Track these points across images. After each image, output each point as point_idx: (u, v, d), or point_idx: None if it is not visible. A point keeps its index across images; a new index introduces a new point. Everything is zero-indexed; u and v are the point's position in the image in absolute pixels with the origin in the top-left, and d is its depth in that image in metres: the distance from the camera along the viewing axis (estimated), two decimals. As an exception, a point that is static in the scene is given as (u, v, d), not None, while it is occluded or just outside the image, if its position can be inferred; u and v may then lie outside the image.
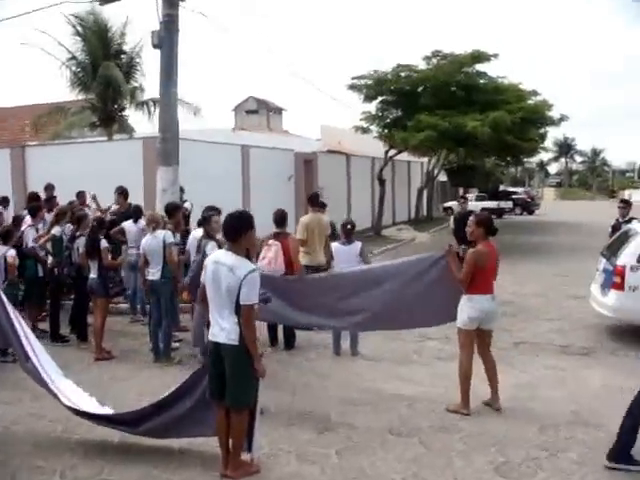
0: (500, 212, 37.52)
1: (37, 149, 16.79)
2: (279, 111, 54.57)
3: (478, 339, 6.13)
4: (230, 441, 4.78)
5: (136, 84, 24.77)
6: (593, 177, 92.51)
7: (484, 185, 43.94)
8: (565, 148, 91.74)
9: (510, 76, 21.50)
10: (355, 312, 7.00)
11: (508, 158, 26.28)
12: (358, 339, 8.12)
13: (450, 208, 39.49)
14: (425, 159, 30.26)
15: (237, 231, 4.66)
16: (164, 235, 7.89)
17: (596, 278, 9.43)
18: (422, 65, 20.95)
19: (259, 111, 53.52)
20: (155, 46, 11.56)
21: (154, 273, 7.94)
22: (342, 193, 24.42)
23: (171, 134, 11.58)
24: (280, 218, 8.42)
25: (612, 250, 9.16)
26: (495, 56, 20.33)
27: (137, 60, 24.50)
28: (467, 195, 43.18)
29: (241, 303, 4.49)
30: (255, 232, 4.83)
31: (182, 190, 12.45)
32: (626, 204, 10.84)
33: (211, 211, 8.21)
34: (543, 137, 26.72)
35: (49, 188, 12.62)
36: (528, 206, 41.05)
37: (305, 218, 9.55)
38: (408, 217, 32.33)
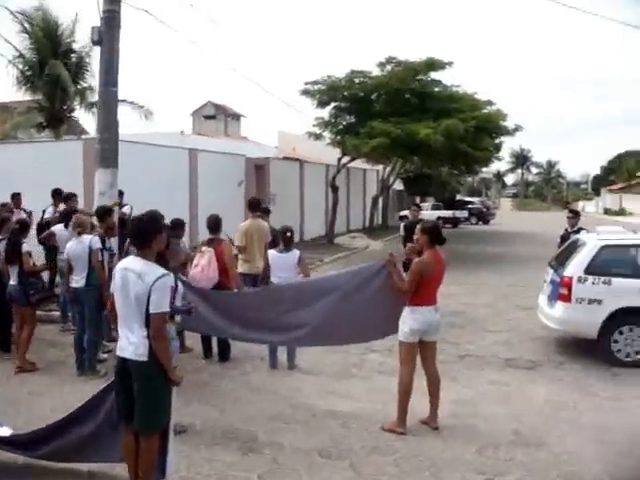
0: (455, 221, 37.70)
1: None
2: (237, 117, 53.93)
3: (421, 352, 5.81)
4: (140, 467, 4.34)
5: (85, 85, 24.24)
6: (548, 188, 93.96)
7: (440, 194, 44.06)
8: (521, 159, 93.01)
9: (465, 85, 21.50)
10: (295, 327, 6.70)
11: (462, 167, 26.19)
12: (295, 352, 7.73)
13: (406, 217, 39.43)
14: (381, 167, 30.06)
15: (145, 235, 4.26)
16: (90, 240, 7.39)
17: (544, 289, 9.21)
18: (376, 71, 20.71)
19: (217, 116, 52.79)
20: (95, 42, 11.02)
21: (78, 280, 7.43)
22: (295, 200, 24.07)
23: (110, 135, 11.00)
24: (214, 224, 8.01)
25: (560, 261, 8.95)
26: (450, 64, 20.23)
27: (87, 60, 23.96)
28: (422, 204, 43.46)
29: (151, 312, 4.07)
30: (163, 236, 4.48)
31: (121, 193, 11.92)
32: (575, 214, 10.70)
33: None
34: (498, 147, 26.73)
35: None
36: (484, 216, 41.28)
37: (244, 224, 9.17)
38: (363, 225, 32.12)
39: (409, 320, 5.63)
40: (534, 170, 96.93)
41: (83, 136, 20.70)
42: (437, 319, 5.74)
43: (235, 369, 7.75)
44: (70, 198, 10.81)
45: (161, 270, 4.19)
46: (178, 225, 8.29)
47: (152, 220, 4.36)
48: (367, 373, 7.60)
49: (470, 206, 41.06)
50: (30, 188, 12.12)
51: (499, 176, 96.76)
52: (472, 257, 20.45)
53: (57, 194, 11.43)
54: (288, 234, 7.56)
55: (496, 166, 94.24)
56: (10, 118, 23.34)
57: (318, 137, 22.14)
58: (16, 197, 12.16)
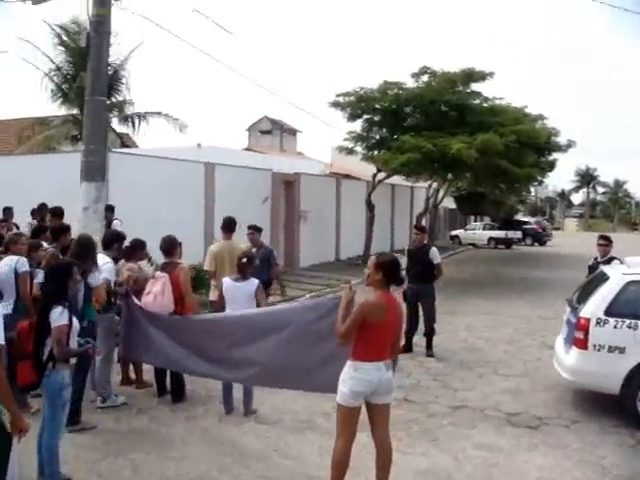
0: (508, 242, 35.90)
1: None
2: (293, 132, 53.76)
3: (370, 416, 4.65)
4: None
5: (120, 98, 24.01)
6: (615, 208, 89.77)
7: (495, 213, 42.28)
8: (587, 178, 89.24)
9: (519, 99, 20.05)
10: (245, 364, 5.88)
11: (501, 185, 24.59)
12: (252, 394, 6.66)
13: (457, 236, 37.97)
14: (426, 184, 28.72)
15: None
16: (16, 262, 6.50)
17: (562, 331, 7.84)
18: (410, 83, 19.51)
19: (273, 131, 52.80)
20: (83, 48, 10.40)
21: (6, 307, 6.56)
22: (330, 218, 23.03)
23: (96, 147, 10.27)
24: (168, 245, 7.03)
25: (580, 297, 7.56)
26: (490, 75, 18.80)
27: (122, 73, 23.74)
28: (474, 223, 41.79)
29: None
30: None
31: (111, 209, 11.20)
32: (607, 241, 9.18)
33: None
34: (552, 165, 25.16)
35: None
36: (539, 237, 39.19)
37: (214, 247, 8.22)
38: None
39: (349, 379, 4.47)
40: (600, 189, 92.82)
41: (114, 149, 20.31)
42: (387, 378, 4.51)
43: (185, 411, 6.74)
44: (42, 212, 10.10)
45: None
46: (137, 246, 7.41)
47: None
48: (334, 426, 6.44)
49: (525, 226, 39.06)
50: (36, 201, 11.60)
51: (563, 195, 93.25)
52: (510, 282, 18.95)
53: (39, 209, 10.73)
54: (243, 260, 6.52)
55: (561, 185, 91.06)
56: (47, 131, 23.18)
57: (350, 152, 21.06)
58: (7, 211, 11.65)
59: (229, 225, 8.42)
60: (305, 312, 5.73)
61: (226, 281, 6.61)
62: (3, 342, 3.34)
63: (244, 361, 5.90)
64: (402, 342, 4.85)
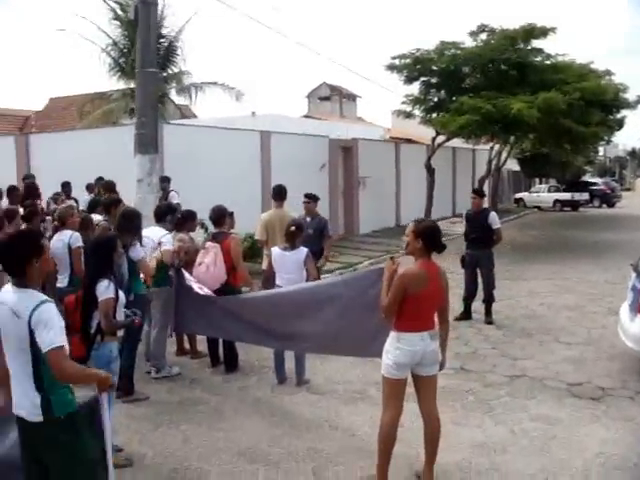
0: (575, 204, 34.72)
1: (40, 137, 15.99)
2: (353, 98, 53.13)
3: (416, 389, 4.50)
4: None
5: (176, 69, 24.12)
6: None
7: (561, 175, 40.91)
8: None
9: (580, 55, 19.12)
10: (297, 336, 5.83)
11: (566, 146, 23.59)
12: (304, 364, 6.60)
13: (521, 199, 36.97)
14: (489, 146, 27.94)
15: (16, 261, 3.25)
16: (69, 237, 6.57)
17: (628, 297, 7.46)
18: (468, 42, 18.81)
19: (332, 98, 52.31)
20: (127, 21, 10.40)
21: (62, 280, 6.68)
22: (390, 183, 22.71)
23: (148, 119, 10.30)
24: (217, 215, 6.99)
25: (647, 261, 7.19)
26: (552, 30, 17.86)
27: (177, 44, 23.80)
28: (538, 186, 40.45)
29: (44, 351, 3.08)
30: (48, 253, 3.48)
31: (167, 180, 11.29)
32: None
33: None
34: (620, 123, 24.06)
35: (27, 178, 11.69)
36: (608, 198, 37.66)
37: (265, 215, 8.15)
38: (471, 209, 30.11)
39: (393, 350, 4.33)
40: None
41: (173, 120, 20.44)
42: (432, 349, 4.34)
43: (237, 381, 6.77)
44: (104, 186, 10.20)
45: (39, 296, 3.18)
46: (188, 217, 7.41)
47: (22, 240, 3.34)
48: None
49: (593, 188, 37.62)
50: (93, 176, 11.81)
51: (634, 154, 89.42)
52: (575, 246, 18.28)
53: (95, 183, 10.83)
54: (292, 228, 6.41)
55: (632, 144, 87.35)
56: (106, 105, 23.52)
57: (408, 115, 20.59)
58: (66, 186, 11.85)
59: (279, 193, 8.32)
60: (349, 285, 5.60)
61: (275, 250, 6.54)
62: (62, 342, 3.14)
63: (294, 334, 5.86)
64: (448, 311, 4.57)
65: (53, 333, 3.10)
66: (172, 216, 7.33)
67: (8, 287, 3.29)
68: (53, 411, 3.21)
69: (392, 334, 4.37)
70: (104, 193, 10.18)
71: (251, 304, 6.35)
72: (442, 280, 4.41)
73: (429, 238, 4.36)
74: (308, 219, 8.74)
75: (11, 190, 10.00)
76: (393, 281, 4.30)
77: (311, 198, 9.17)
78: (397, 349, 4.30)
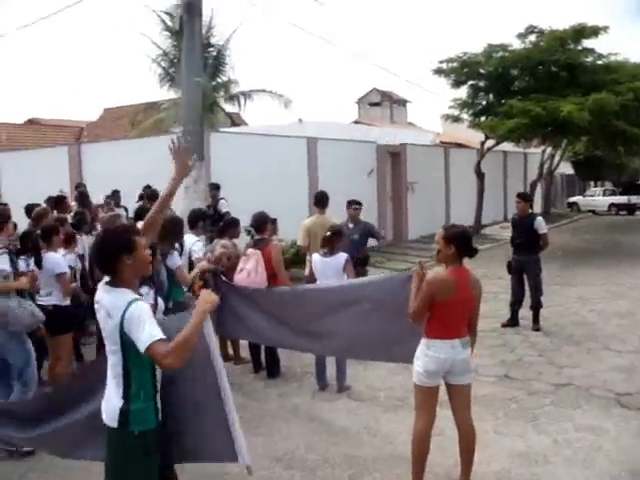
0: (631, 208, 33.69)
1: (92, 146, 16.42)
2: (403, 103, 52.91)
3: (449, 397, 4.46)
4: None
5: (225, 78, 24.51)
6: None
7: (616, 178, 39.78)
8: None
9: (633, 54, 18.59)
10: (324, 335, 5.80)
11: (619, 148, 22.92)
12: (345, 371, 6.60)
13: (575, 203, 36.13)
14: (540, 150, 27.43)
15: (106, 258, 3.16)
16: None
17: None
18: (516, 44, 18.51)
19: (382, 103, 52.25)
20: (177, 32, 10.62)
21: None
22: (439, 188, 22.52)
23: (194, 127, 10.51)
24: (258, 222, 7.05)
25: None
26: (604, 29, 17.45)
27: (225, 53, 24.20)
28: (593, 189, 39.37)
29: (143, 351, 2.91)
30: (139, 253, 3.17)
31: (216, 187, 11.45)
32: None
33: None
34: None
35: (79, 187, 12.01)
36: (668, 201, 36.40)
37: (307, 221, 8.19)
38: (523, 214, 29.57)
39: (422, 357, 4.30)
40: None
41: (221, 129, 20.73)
42: (462, 357, 4.28)
43: (278, 388, 6.81)
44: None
45: (130, 295, 3.06)
46: (231, 224, 7.49)
47: (113, 237, 3.23)
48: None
49: (651, 190, 36.39)
50: (142, 185, 12.02)
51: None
52: (630, 251, 17.70)
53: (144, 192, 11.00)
54: (329, 234, 6.42)
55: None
56: (157, 114, 24.04)
57: (457, 119, 20.39)
58: (116, 195, 12.12)
59: (321, 200, 8.37)
60: (378, 287, 5.55)
61: (315, 256, 6.57)
62: (160, 335, 2.94)
63: (322, 333, 5.76)
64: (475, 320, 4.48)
65: (148, 330, 2.91)
66: (204, 222, 7.36)
67: (101, 285, 3.21)
68: (129, 423, 3.09)
69: (422, 341, 4.34)
70: (148, 202, 10.38)
71: (279, 300, 6.27)
72: (473, 288, 4.33)
73: (461, 243, 4.31)
74: (351, 225, 8.75)
75: (60, 200, 10.33)
76: (421, 287, 4.27)
77: (356, 204, 9.15)
78: (426, 356, 4.27)
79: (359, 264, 8.22)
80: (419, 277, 4.43)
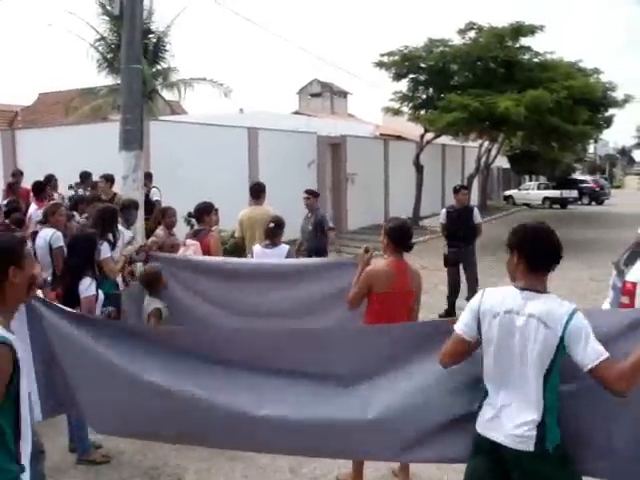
0: (564, 202, 34.90)
1: (27, 133, 15.91)
2: (344, 94, 53.11)
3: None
4: None
5: (165, 65, 24.10)
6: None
7: (550, 173, 41.05)
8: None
9: (569, 53, 19.24)
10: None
11: (554, 143, 23.70)
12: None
13: (511, 197, 37.12)
14: (478, 144, 28.05)
15: None
16: (50, 236, 6.48)
17: (609, 295, 7.49)
18: (456, 39, 18.93)
19: (323, 94, 52.29)
20: (116, 16, 10.36)
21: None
22: (379, 180, 22.78)
23: (133, 115, 10.27)
24: (198, 212, 6.98)
25: (628, 260, 7.20)
26: (541, 28, 17.99)
27: (166, 40, 23.78)
28: (528, 183, 40.61)
29: (589, 367, 2.71)
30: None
31: (149, 177, 11.24)
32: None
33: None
34: (608, 120, 24.21)
35: (16, 175, 11.64)
36: (597, 196, 37.92)
37: (242, 213, 8.07)
38: (460, 206, 30.21)
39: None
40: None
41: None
42: None
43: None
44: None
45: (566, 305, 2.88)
46: (166, 213, 7.41)
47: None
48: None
49: (582, 185, 37.82)
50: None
51: (624, 152, 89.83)
52: (563, 242, 17.61)
53: (107, 179, 10.60)
54: (271, 225, 6.41)
55: (622, 142, 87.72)
56: (94, 101, 23.44)
57: (397, 112, 20.65)
58: (51, 181, 11.77)
59: (257, 191, 8.30)
60: (320, 270, 5.54)
61: (256, 248, 6.54)
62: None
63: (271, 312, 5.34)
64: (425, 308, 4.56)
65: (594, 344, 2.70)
66: (125, 212, 7.12)
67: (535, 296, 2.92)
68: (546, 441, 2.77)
69: (361, 329, 4.39)
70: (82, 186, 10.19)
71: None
72: (413, 281, 4.41)
73: (395, 237, 4.38)
74: (309, 215, 8.72)
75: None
76: (360, 277, 4.35)
77: (311, 194, 9.07)
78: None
79: (317, 254, 8.22)
80: (364, 262, 4.49)
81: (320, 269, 5.55)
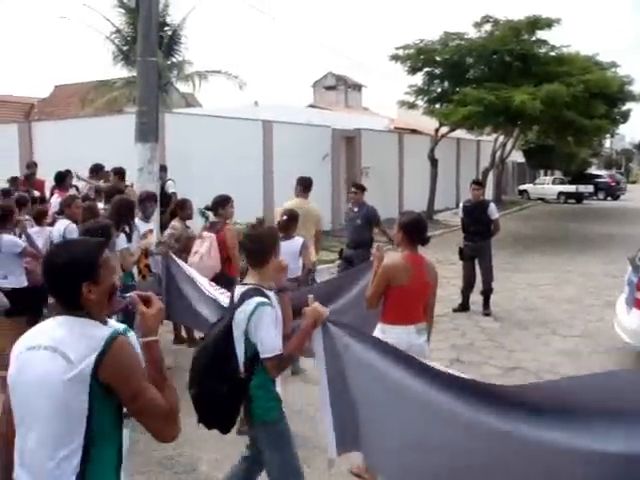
0: (579, 197, 34.66)
1: (44, 125, 16.01)
2: (358, 87, 53.03)
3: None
4: None
5: (180, 57, 24.16)
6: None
7: (566, 167, 40.78)
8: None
9: (586, 47, 19.08)
10: None
11: (569, 138, 23.53)
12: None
13: (525, 191, 36.91)
14: (493, 138, 27.91)
15: None
16: (64, 228, 6.51)
17: (624, 291, 7.46)
18: (472, 33, 18.83)
19: (337, 87, 52.25)
20: (132, 9, 10.40)
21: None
22: (393, 174, 22.72)
23: (149, 108, 10.30)
24: (213, 205, 6.99)
25: (645, 255, 7.18)
26: (557, 21, 17.84)
27: (181, 33, 23.83)
28: (543, 177, 40.34)
29: None
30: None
31: (164, 169, 11.27)
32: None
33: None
34: (625, 115, 23.99)
35: (30, 166, 11.73)
36: (612, 191, 37.63)
37: (294, 203, 7.79)
38: (474, 200, 30.08)
39: (378, 342, 4.36)
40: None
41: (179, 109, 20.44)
42: (419, 343, 4.33)
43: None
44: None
45: None
46: (183, 205, 7.44)
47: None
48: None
49: (598, 180, 37.54)
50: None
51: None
52: (577, 238, 18.24)
53: (115, 172, 10.67)
54: (284, 218, 6.42)
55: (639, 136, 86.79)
56: (109, 93, 23.53)
57: (412, 106, 20.57)
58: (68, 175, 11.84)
59: (309, 184, 8.15)
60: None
61: (270, 241, 6.54)
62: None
63: None
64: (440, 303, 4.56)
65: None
66: (143, 205, 7.14)
67: None
68: None
69: (378, 325, 4.41)
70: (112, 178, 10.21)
71: None
72: (429, 274, 4.42)
73: (410, 231, 4.38)
74: (355, 209, 8.67)
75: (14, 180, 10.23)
76: (377, 272, 4.35)
77: (359, 188, 8.95)
78: (382, 341, 4.32)
79: (362, 247, 8.25)
80: (378, 260, 4.49)
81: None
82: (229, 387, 3.25)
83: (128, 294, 4.68)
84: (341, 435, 3.18)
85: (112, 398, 2.09)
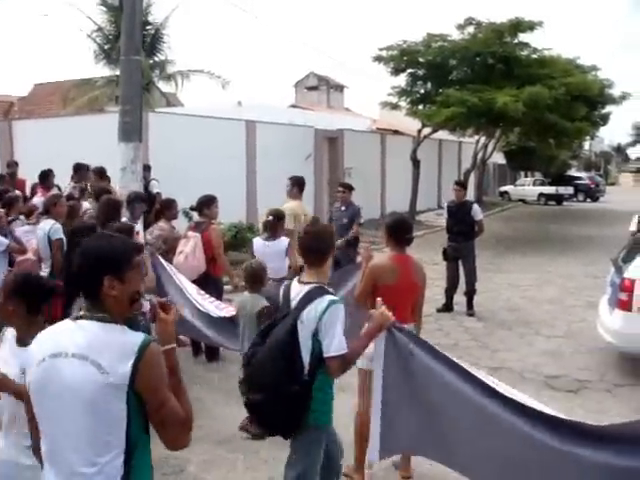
0: (559, 198, 35.00)
1: (24, 123, 15.85)
2: (340, 88, 53.05)
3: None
4: None
5: (162, 57, 24.02)
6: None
7: (546, 169, 41.14)
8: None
9: (567, 50, 19.26)
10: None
11: (550, 140, 23.77)
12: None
13: (506, 192, 37.18)
14: (475, 139, 28.08)
15: None
16: (49, 228, 6.45)
17: (607, 291, 7.55)
18: (455, 34, 18.94)
19: (320, 88, 52.22)
20: (115, 7, 10.33)
21: (44, 270, 6.60)
22: (375, 174, 22.78)
23: (132, 107, 10.24)
24: (198, 205, 6.97)
25: (626, 257, 7.27)
26: (540, 24, 18.00)
27: (163, 32, 23.70)
28: (524, 179, 40.61)
29: None
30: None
31: (147, 169, 11.20)
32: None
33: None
34: (604, 118, 24.29)
35: (11, 165, 11.59)
36: (592, 192, 38.05)
37: (293, 205, 7.75)
38: (456, 201, 30.25)
39: (367, 343, 4.38)
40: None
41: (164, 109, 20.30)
42: None
43: (218, 371, 6.79)
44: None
45: None
46: (168, 205, 7.40)
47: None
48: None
49: (577, 182, 37.95)
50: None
51: (619, 150, 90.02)
52: (558, 239, 18.43)
53: (96, 172, 10.59)
54: (269, 218, 6.42)
55: (618, 139, 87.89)
56: (91, 92, 23.33)
57: (395, 107, 20.65)
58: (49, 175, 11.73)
59: (304, 185, 8.12)
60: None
61: (256, 240, 6.56)
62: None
63: None
64: (426, 303, 4.59)
65: None
66: (131, 206, 7.10)
67: None
68: None
69: (366, 326, 4.40)
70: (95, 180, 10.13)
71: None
72: (417, 275, 4.45)
73: (394, 232, 4.43)
74: (343, 208, 8.71)
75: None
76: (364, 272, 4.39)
77: (346, 187, 9.05)
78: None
79: (349, 246, 8.28)
80: (366, 260, 4.51)
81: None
82: (298, 389, 3.21)
83: (149, 297, 4.62)
84: (387, 439, 3.29)
85: (142, 404, 2.09)
